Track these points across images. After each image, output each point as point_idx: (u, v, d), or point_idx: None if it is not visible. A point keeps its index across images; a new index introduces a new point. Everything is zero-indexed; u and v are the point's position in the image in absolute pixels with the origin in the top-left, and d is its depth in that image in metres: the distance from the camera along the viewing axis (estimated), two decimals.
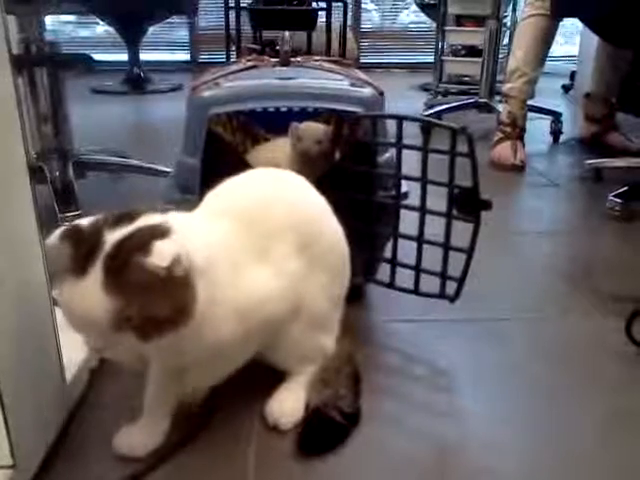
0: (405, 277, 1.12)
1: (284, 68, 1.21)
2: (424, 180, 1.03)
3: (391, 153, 1.12)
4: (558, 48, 5.18)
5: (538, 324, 1.19)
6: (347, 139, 1.08)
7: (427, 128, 1.02)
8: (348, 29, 3.60)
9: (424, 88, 3.79)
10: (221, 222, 0.80)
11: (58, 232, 0.68)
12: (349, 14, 3.63)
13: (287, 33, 1.20)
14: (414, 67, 4.60)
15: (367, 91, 1.11)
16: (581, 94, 2.72)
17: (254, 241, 0.80)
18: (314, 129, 1.24)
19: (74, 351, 0.88)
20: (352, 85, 1.13)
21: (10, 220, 0.73)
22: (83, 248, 0.67)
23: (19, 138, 0.75)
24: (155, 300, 0.66)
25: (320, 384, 0.90)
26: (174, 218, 0.73)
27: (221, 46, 3.92)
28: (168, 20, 4.30)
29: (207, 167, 1.08)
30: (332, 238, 0.91)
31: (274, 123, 1.47)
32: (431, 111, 2.70)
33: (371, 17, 5.11)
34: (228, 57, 3.11)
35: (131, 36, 3.87)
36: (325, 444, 0.84)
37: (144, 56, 4.04)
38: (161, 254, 0.64)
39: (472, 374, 1.03)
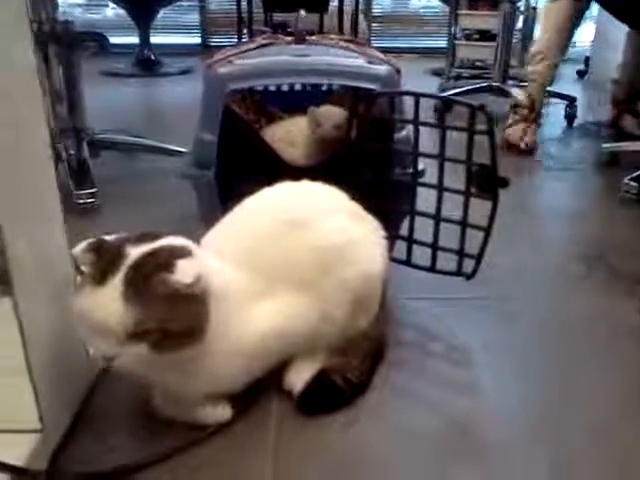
0: (421, 255, 1.12)
1: (300, 46, 1.21)
2: (442, 157, 1.03)
3: (407, 131, 1.12)
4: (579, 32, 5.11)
5: (554, 303, 1.19)
6: (363, 117, 1.08)
7: (443, 107, 1.01)
8: (360, 13, 3.57)
9: (436, 72, 3.76)
10: (230, 260, 0.83)
11: (83, 243, 0.70)
12: None
13: (302, 11, 1.19)
14: (425, 52, 4.56)
15: (384, 68, 1.10)
16: (596, 79, 2.71)
17: (260, 280, 0.82)
18: (333, 113, 1.24)
19: None
20: (369, 62, 1.13)
21: (33, 192, 0.73)
22: (105, 259, 0.69)
23: (42, 113, 0.76)
24: (173, 315, 0.69)
25: (336, 353, 0.91)
26: (193, 245, 0.77)
27: (232, 29, 3.90)
28: (179, 3, 4.28)
29: (224, 143, 1.08)
30: (353, 270, 0.89)
31: (287, 102, 1.48)
32: (444, 95, 2.69)
33: (382, 1, 5.06)
34: (240, 39, 3.09)
35: (142, 18, 3.87)
36: (322, 405, 0.86)
37: (154, 39, 4.03)
38: (185, 272, 0.68)
39: (488, 350, 1.03)
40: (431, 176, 1.09)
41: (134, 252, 0.71)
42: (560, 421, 0.87)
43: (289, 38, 1.27)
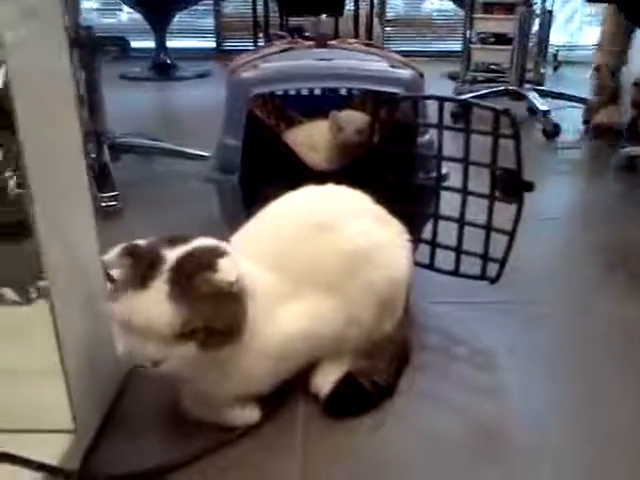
0: (444, 258, 1.12)
1: (322, 50, 1.21)
2: (466, 161, 1.03)
3: (430, 135, 1.12)
4: (590, 36, 5.10)
5: (575, 307, 1.19)
6: (386, 121, 1.08)
7: (463, 110, 1.02)
8: (374, 17, 3.57)
9: (451, 76, 3.76)
10: (256, 263, 0.83)
11: (116, 249, 0.71)
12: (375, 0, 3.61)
13: (324, 15, 1.20)
14: (439, 56, 4.56)
15: (407, 72, 1.11)
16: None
17: (287, 283, 0.83)
18: (355, 118, 1.24)
19: None
20: (391, 66, 1.13)
21: (68, 195, 0.75)
22: (143, 263, 0.70)
23: (76, 119, 0.77)
24: (217, 313, 0.71)
25: (362, 356, 0.91)
26: (227, 245, 0.79)
27: (246, 33, 3.93)
28: (194, 7, 4.31)
29: (248, 148, 1.09)
30: (379, 273, 0.89)
31: (307, 106, 1.49)
32: (460, 98, 2.68)
33: (394, 5, 5.07)
34: (256, 44, 3.11)
35: (158, 23, 3.89)
36: (349, 408, 0.86)
37: (170, 43, 4.05)
38: (228, 270, 0.70)
39: (512, 354, 1.03)
40: (454, 180, 1.09)
41: (171, 254, 0.71)
42: (586, 424, 0.87)
43: (309, 42, 1.28)
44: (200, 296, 0.69)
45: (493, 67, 3.54)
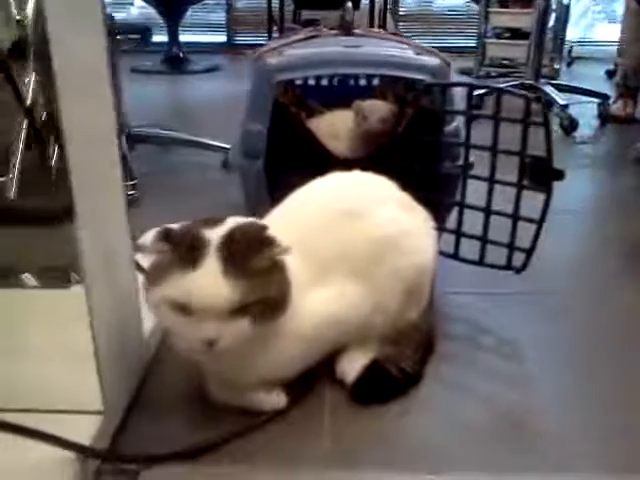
0: (468, 248, 1.12)
1: (347, 37, 1.20)
2: (494, 149, 1.02)
3: (457, 123, 1.11)
4: (600, 32, 5.08)
5: (597, 297, 1.18)
6: (413, 108, 1.07)
7: (497, 97, 1.01)
8: (387, 11, 3.57)
9: (463, 72, 3.75)
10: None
11: (150, 233, 0.71)
12: None
13: (349, 3, 1.19)
14: (451, 51, 4.54)
15: (434, 60, 1.10)
16: None
17: (314, 268, 0.82)
18: (379, 107, 1.23)
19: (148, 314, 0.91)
20: (417, 54, 1.12)
21: (106, 183, 0.75)
22: (184, 245, 0.70)
23: (111, 109, 0.78)
24: (270, 285, 0.72)
25: (388, 343, 0.90)
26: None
27: (258, 28, 3.92)
28: (206, 1, 4.31)
29: (272, 134, 1.08)
30: (406, 260, 0.89)
31: (326, 96, 1.48)
32: (475, 93, 2.67)
33: (407, 2, 5.06)
34: (270, 37, 3.10)
35: (171, 17, 3.89)
36: (376, 395, 0.86)
37: (182, 37, 4.06)
38: (279, 243, 0.72)
39: (537, 344, 1.02)
40: (477, 169, 1.08)
41: (212, 234, 0.71)
42: (611, 414, 0.86)
43: (334, 31, 1.27)
44: (257, 270, 0.70)
45: (505, 62, 3.52)
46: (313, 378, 0.88)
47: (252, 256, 0.70)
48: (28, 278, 0.81)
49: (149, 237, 0.71)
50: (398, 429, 0.83)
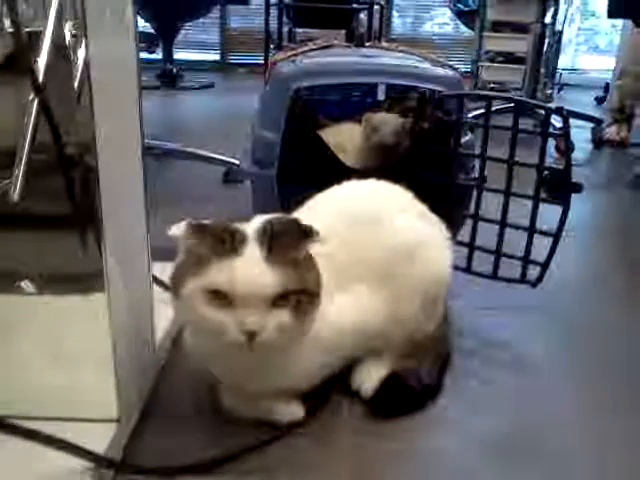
0: (480, 262, 1.10)
1: (361, 49, 1.20)
2: (511, 162, 1.01)
3: (470, 136, 1.11)
4: (590, 61, 5.20)
5: (608, 313, 1.18)
6: (429, 120, 1.07)
7: (516, 108, 1.00)
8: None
9: None
10: None
11: (181, 224, 0.69)
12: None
13: (362, 15, 1.18)
14: None
15: (449, 71, 1.10)
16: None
17: (332, 276, 0.79)
18: (390, 119, 1.23)
19: (160, 321, 0.89)
20: (432, 66, 1.12)
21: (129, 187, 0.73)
22: (219, 236, 0.68)
23: (136, 113, 0.76)
24: (308, 275, 0.71)
25: (405, 356, 0.88)
26: None
27: (251, 47, 3.95)
28: (201, 20, 4.34)
29: (287, 144, 1.07)
30: (423, 269, 0.87)
31: (331, 110, 1.47)
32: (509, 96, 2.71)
33: (396, 25, 5.14)
34: (267, 55, 3.10)
35: (166, 33, 3.90)
36: (395, 408, 0.83)
37: (176, 55, 4.07)
38: (318, 234, 0.71)
39: (551, 359, 1.01)
40: (492, 182, 1.08)
41: (246, 227, 0.70)
42: (632, 426, 0.85)
43: (346, 43, 1.26)
44: (297, 260, 0.70)
45: (495, 86, 3.56)
46: (329, 390, 0.85)
47: (293, 245, 0.70)
48: (42, 285, 0.78)
49: (179, 228, 0.68)
50: (416, 444, 0.80)
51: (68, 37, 0.66)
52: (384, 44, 1.36)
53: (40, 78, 0.61)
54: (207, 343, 0.74)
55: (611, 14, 2.19)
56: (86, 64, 0.60)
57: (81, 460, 0.63)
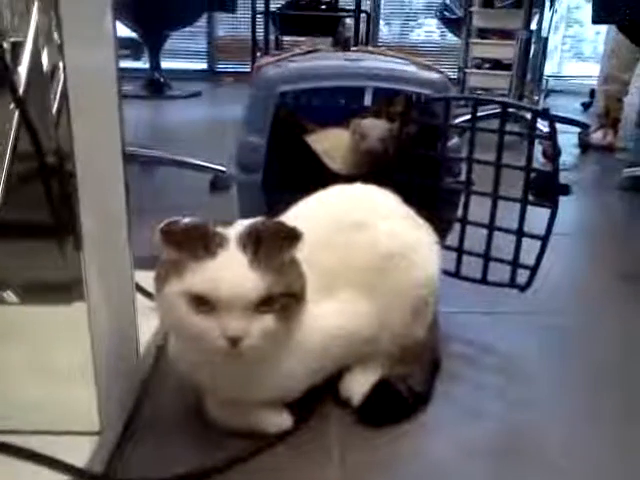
0: (468, 266, 1.09)
1: (347, 53, 1.19)
2: (498, 164, 1.00)
3: (457, 139, 1.10)
4: (575, 68, 5.24)
5: (597, 317, 1.17)
6: (415, 123, 1.06)
7: (502, 111, 1.00)
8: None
9: None
10: None
11: (162, 224, 0.68)
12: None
13: (347, 19, 1.18)
14: None
15: (437, 75, 1.09)
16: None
17: (318, 281, 0.78)
18: (377, 125, 1.22)
19: (144, 329, 0.87)
20: (419, 69, 1.11)
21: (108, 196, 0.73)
22: (199, 237, 0.67)
23: (117, 121, 0.75)
24: (292, 278, 0.70)
25: (395, 362, 0.87)
26: None
27: (237, 55, 3.94)
28: (188, 29, 4.33)
29: (273, 149, 1.06)
30: (411, 274, 0.86)
31: (316, 116, 1.46)
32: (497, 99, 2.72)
33: (382, 35, 5.16)
34: (254, 63, 3.11)
35: (153, 42, 3.89)
36: (386, 416, 0.82)
37: (163, 64, 4.06)
38: (302, 236, 0.69)
39: (541, 364, 1.00)
40: (480, 186, 1.07)
41: (227, 230, 0.68)
42: (621, 431, 0.85)
43: (332, 47, 1.26)
44: (281, 263, 0.68)
45: (482, 93, 3.58)
46: (317, 398, 0.83)
47: (277, 248, 0.68)
48: (20, 294, 0.76)
49: (156, 234, 0.67)
50: (407, 452, 0.79)
51: (46, 46, 0.65)
52: (370, 48, 1.35)
53: (21, 89, 0.60)
54: (191, 350, 0.72)
55: (595, 20, 2.20)
56: (64, 72, 0.59)
57: (61, 474, 0.60)
